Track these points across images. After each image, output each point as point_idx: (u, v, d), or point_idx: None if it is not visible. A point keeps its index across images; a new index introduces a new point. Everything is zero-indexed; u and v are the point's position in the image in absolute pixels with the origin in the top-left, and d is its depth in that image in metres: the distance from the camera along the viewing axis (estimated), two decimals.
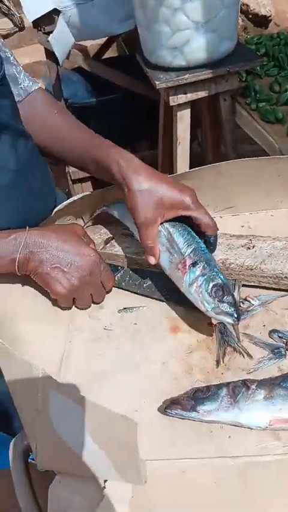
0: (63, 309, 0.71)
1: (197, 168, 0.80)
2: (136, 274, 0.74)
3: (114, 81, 2.02)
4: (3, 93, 0.72)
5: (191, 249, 0.66)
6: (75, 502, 0.49)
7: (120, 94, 2.08)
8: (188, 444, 0.53)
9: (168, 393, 0.58)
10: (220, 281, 0.63)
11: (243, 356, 0.61)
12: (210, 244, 0.70)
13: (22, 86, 0.79)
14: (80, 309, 0.71)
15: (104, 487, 0.49)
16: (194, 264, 0.65)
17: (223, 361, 0.61)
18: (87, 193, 0.80)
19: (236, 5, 1.50)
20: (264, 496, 0.48)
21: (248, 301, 0.69)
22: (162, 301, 0.71)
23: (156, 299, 0.71)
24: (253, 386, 0.53)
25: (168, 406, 0.54)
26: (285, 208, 0.82)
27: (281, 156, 0.81)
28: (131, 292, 0.73)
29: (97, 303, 0.71)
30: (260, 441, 0.52)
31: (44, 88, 0.85)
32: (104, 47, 2.46)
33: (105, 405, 0.48)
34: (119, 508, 0.48)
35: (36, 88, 0.82)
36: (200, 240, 0.69)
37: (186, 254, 0.66)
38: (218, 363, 0.61)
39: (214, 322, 0.67)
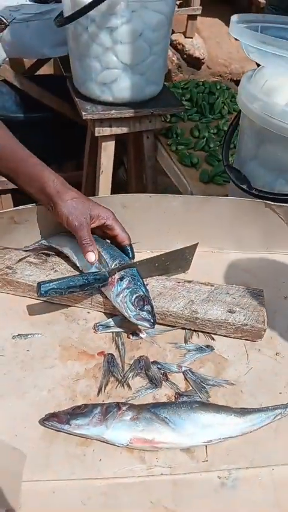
0: None
1: (102, 196, 0.87)
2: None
3: (43, 101, 2.05)
4: None
5: (117, 261, 0.79)
6: None
7: (49, 113, 2.11)
8: (60, 467, 0.57)
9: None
10: (142, 293, 0.74)
11: (123, 386, 0.67)
12: (129, 252, 0.83)
13: None
14: None
15: None
16: (121, 279, 0.75)
17: (105, 390, 0.66)
18: None
19: (164, 53, 1.63)
20: None
21: (137, 334, 0.76)
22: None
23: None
24: (124, 408, 0.60)
25: (46, 418, 0.59)
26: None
27: (175, 195, 0.91)
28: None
29: None
30: (127, 464, 0.58)
31: None
32: (40, 62, 2.49)
33: None
34: None
35: None
36: (122, 254, 0.82)
37: (113, 267, 0.78)
38: (99, 391, 0.66)
39: (105, 352, 0.72)
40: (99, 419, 0.58)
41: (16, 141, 0.86)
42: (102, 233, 0.84)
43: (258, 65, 1.01)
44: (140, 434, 0.57)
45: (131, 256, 0.83)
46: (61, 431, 0.59)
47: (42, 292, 0.71)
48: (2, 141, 0.84)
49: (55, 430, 0.59)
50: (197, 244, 0.86)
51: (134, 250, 0.85)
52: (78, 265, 0.82)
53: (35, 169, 0.82)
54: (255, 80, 0.98)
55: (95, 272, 0.77)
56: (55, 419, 0.59)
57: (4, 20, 1.69)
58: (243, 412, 0.62)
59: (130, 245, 0.83)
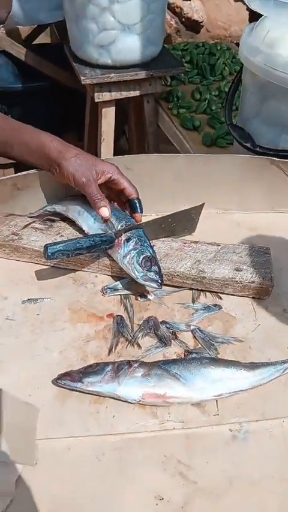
0: None
1: (106, 158, 0.86)
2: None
3: (41, 70, 2.00)
4: None
5: (123, 223, 0.78)
6: None
7: (48, 82, 2.06)
8: (74, 424, 0.58)
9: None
10: (149, 254, 0.73)
11: (133, 346, 0.68)
12: (136, 206, 0.81)
13: None
14: None
15: None
16: (127, 240, 0.75)
17: (115, 350, 0.67)
18: None
19: (162, 12, 1.57)
20: (137, 469, 0.55)
21: (145, 295, 0.76)
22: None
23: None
24: (135, 365, 0.61)
25: (59, 377, 0.60)
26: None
27: (179, 154, 0.89)
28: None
29: None
30: (140, 419, 0.59)
31: None
32: (37, 31, 2.42)
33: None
34: (5, 487, 0.52)
35: None
36: (128, 216, 0.80)
37: (119, 228, 0.77)
38: (110, 351, 0.67)
39: (114, 314, 0.73)
40: (111, 377, 0.59)
41: (1, 113, 0.83)
42: (108, 189, 0.82)
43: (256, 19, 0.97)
44: (151, 389, 0.58)
45: (139, 210, 0.81)
46: (74, 390, 0.60)
47: (50, 254, 0.71)
48: None
49: (68, 389, 0.60)
50: (203, 204, 0.85)
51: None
52: (84, 228, 0.81)
53: (29, 135, 0.80)
54: (256, 32, 0.95)
55: (102, 234, 0.76)
56: (68, 378, 0.59)
57: None
58: (253, 366, 0.63)
59: (138, 199, 0.82)
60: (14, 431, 0.52)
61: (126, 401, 0.60)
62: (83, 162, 0.77)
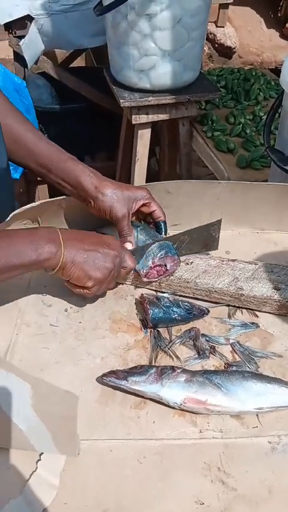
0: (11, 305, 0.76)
1: (148, 184, 0.89)
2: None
3: (79, 91, 2.09)
4: None
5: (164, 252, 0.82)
6: (7, 476, 0.55)
7: (84, 104, 2.15)
8: (116, 427, 0.60)
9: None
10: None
11: (172, 358, 0.70)
12: (162, 228, 0.87)
13: None
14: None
15: (39, 459, 0.55)
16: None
17: (155, 362, 0.69)
18: (45, 200, 0.87)
19: (201, 39, 1.63)
20: (177, 473, 0.56)
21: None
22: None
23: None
24: (178, 370, 0.63)
25: (105, 374, 0.64)
26: (223, 231, 0.92)
27: (220, 181, 0.92)
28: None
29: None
30: (180, 426, 0.61)
31: None
32: (73, 55, 2.53)
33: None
34: (50, 479, 0.54)
35: None
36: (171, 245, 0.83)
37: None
38: (150, 363, 0.69)
39: (150, 325, 0.75)
40: (155, 378, 0.61)
41: (45, 137, 0.87)
42: (137, 212, 0.85)
43: None
44: (193, 395, 0.60)
45: (163, 233, 0.86)
46: (118, 388, 0.63)
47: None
48: (31, 137, 0.85)
49: (113, 386, 0.63)
50: (220, 220, 0.87)
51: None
52: None
53: (68, 164, 0.82)
54: None
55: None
56: (113, 376, 0.63)
57: None
58: None
59: (165, 222, 0.86)
60: (56, 422, 0.54)
61: (168, 405, 0.62)
62: (120, 198, 0.81)
